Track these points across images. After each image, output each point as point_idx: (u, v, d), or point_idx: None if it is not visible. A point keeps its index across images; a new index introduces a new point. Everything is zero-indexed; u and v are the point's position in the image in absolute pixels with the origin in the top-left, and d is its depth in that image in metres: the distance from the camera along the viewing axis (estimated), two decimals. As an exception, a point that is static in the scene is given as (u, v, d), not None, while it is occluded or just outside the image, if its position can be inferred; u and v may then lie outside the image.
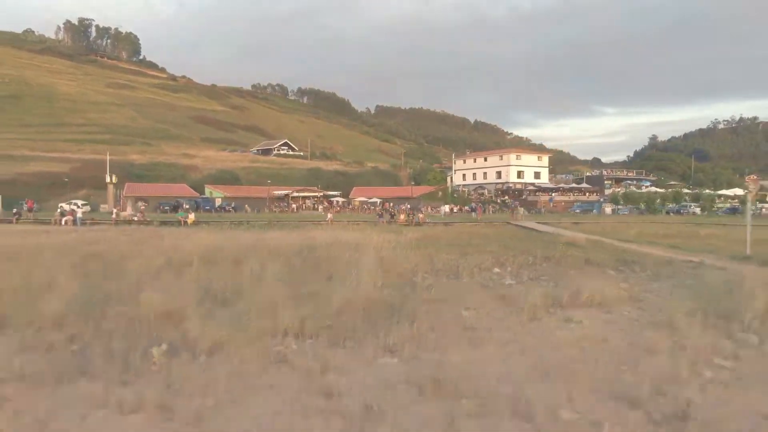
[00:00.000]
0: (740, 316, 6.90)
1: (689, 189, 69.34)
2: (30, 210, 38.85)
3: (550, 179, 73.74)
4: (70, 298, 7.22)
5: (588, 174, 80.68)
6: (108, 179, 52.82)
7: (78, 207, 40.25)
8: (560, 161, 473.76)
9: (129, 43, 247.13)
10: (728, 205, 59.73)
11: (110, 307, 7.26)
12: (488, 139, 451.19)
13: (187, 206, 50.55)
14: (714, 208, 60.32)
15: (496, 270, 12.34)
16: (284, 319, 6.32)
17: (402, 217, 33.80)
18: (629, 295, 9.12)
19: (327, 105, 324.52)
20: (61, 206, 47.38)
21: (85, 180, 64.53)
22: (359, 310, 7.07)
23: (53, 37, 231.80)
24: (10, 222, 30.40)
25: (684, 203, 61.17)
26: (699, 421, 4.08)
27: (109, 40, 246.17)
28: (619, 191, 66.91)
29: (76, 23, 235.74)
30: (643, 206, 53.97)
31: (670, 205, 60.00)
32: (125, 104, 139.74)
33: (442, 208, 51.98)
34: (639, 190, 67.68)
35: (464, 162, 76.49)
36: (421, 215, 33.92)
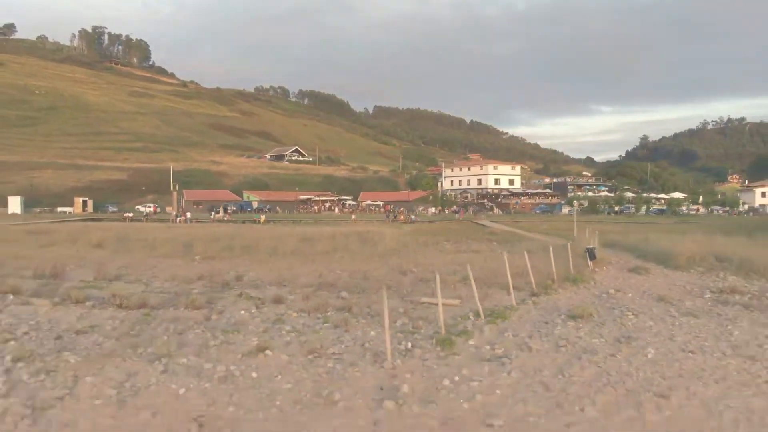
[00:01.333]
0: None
1: (634, 193, 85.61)
2: (154, 213, 54.57)
3: (524, 185, 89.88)
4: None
5: (555, 180, 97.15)
6: (172, 187, 68.71)
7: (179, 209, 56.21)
8: (554, 161, 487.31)
9: (139, 49, 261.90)
10: (657, 206, 75.97)
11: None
12: (484, 139, 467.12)
13: (234, 208, 66.47)
14: (649, 209, 76.46)
15: (445, 243, 28.31)
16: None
17: (401, 217, 49.50)
18: (489, 248, 25.00)
19: (327, 107, 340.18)
20: (136, 208, 63.50)
21: (144, 186, 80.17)
22: (393, 252, 23.04)
23: (68, 44, 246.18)
24: (141, 221, 46.00)
25: (626, 205, 77.33)
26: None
27: (120, 47, 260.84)
28: (579, 195, 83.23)
29: (90, 30, 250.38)
30: (586, 207, 69.99)
31: (616, 207, 76.19)
32: (147, 113, 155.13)
33: (430, 209, 68.19)
34: (595, 195, 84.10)
35: (452, 170, 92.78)
36: (413, 216, 49.78)
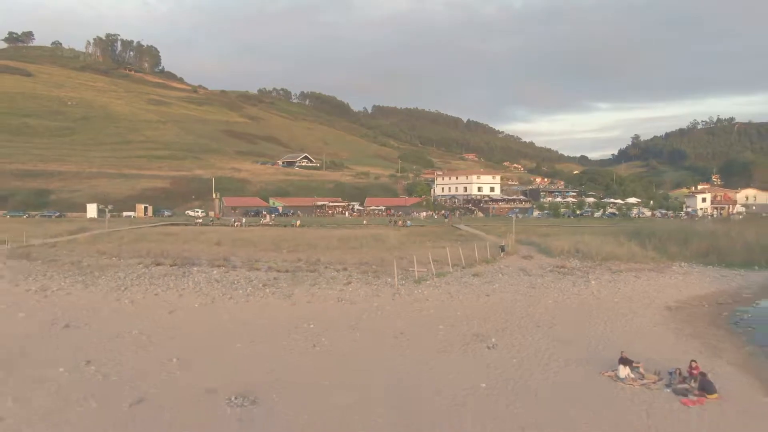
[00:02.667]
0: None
1: (597, 198, 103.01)
2: (217, 218, 71.17)
3: (504, 191, 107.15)
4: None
5: (530, 188, 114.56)
6: (214, 194, 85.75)
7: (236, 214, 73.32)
8: (548, 159, 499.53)
9: (150, 54, 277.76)
10: (610, 211, 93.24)
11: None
12: (480, 138, 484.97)
13: (265, 213, 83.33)
14: (605, 212, 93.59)
15: (428, 242, 45.51)
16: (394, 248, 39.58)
17: (400, 222, 66.45)
18: (453, 245, 42.19)
19: (328, 108, 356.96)
20: (187, 213, 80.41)
21: (185, 193, 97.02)
22: (395, 247, 40.28)
23: (83, 50, 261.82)
24: (208, 225, 62.79)
25: (586, 209, 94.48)
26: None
27: (132, 52, 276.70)
28: (544, 203, 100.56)
29: (104, 38, 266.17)
30: (550, 212, 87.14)
31: (578, 211, 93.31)
32: (167, 121, 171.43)
33: (422, 213, 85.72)
34: (563, 200, 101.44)
35: (443, 179, 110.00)
36: (408, 222, 66.77)
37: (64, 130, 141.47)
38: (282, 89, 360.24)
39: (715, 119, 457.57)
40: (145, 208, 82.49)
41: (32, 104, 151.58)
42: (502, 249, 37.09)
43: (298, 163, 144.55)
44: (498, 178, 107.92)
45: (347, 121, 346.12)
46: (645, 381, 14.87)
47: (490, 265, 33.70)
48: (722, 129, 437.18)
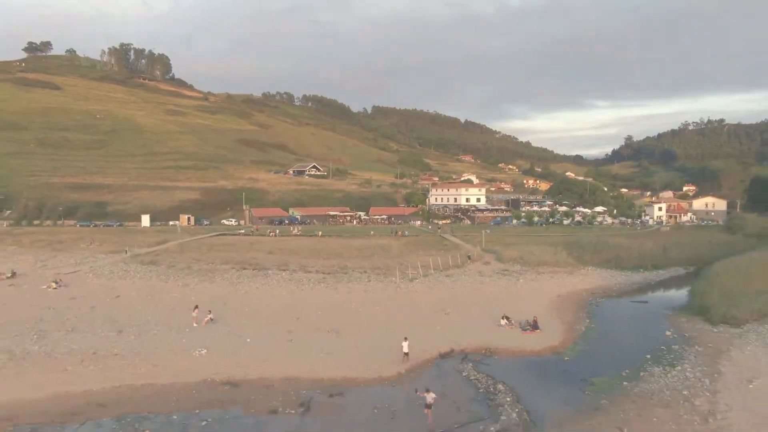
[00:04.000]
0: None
1: (569, 207, 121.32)
2: (257, 229, 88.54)
3: (489, 201, 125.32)
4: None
5: (512, 198, 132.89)
6: (244, 206, 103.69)
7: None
8: (544, 158, 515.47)
9: (162, 63, 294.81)
10: (577, 219, 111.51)
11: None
12: (477, 138, 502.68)
13: (288, 222, 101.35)
14: (573, 220, 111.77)
15: (420, 250, 63.73)
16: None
17: (399, 233, 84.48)
18: (439, 253, 60.41)
19: (330, 110, 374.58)
20: (222, 222, 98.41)
21: (217, 203, 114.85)
22: (397, 255, 58.55)
23: (98, 58, 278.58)
24: (249, 235, 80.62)
25: (557, 217, 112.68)
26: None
27: (144, 61, 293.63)
28: (527, 209, 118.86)
29: (118, 47, 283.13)
30: (525, 220, 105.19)
31: (550, 219, 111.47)
32: (186, 131, 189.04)
33: (416, 222, 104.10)
34: (539, 209, 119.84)
35: (436, 190, 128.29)
36: (406, 232, 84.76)
37: (97, 142, 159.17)
38: (285, 93, 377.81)
39: (706, 120, 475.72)
40: (189, 218, 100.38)
41: (66, 118, 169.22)
42: (469, 257, 55.27)
43: (307, 172, 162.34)
44: (483, 190, 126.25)
45: (348, 123, 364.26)
46: (512, 325, 33.00)
47: (459, 269, 51.85)
48: (712, 130, 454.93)
